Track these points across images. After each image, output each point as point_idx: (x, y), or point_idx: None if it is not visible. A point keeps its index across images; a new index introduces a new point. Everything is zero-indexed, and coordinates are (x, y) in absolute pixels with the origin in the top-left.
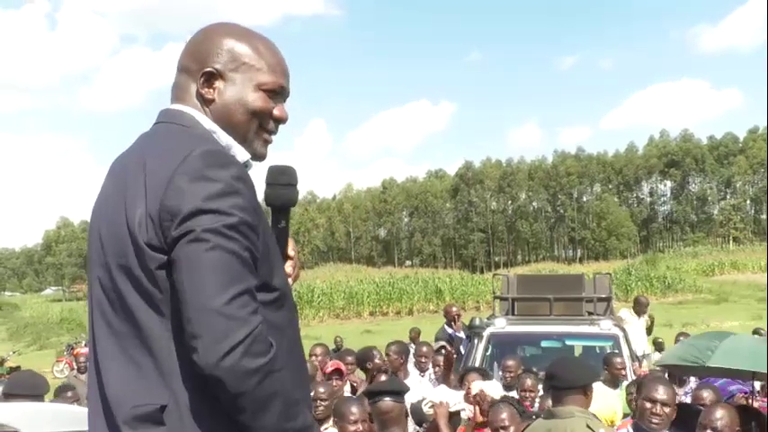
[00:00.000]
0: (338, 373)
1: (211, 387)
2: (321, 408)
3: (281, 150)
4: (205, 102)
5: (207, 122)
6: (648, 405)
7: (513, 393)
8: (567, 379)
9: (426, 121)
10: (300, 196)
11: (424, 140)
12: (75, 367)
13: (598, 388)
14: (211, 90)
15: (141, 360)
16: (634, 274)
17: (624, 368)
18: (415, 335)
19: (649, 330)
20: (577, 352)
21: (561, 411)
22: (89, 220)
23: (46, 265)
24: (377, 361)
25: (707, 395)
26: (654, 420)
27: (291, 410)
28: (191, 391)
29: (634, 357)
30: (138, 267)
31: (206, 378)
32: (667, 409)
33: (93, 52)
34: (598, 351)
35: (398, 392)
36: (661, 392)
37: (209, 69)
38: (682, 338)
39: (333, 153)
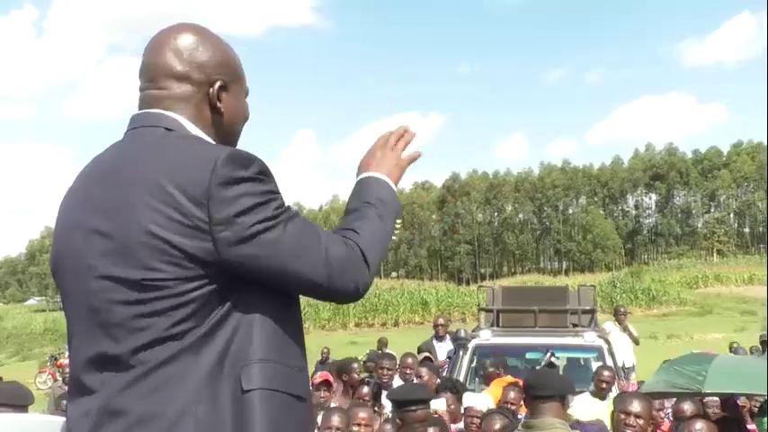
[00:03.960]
0: (326, 384)
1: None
2: None
3: (268, 160)
4: (214, 112)
5: (193, 129)
6: (623, 417)
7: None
8: (546, 389)
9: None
10: None
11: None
12: (60, 378)
13: (586, 399)
14: (219, 102)
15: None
16: (619, 287)
17: (612, 381)
18: (382, 344)
19: (636, 341)
20: (562, 364)
21: (542, 423)
22: (61, 227)
23: (30, 275)
24: (354, 375)
25: (687, 407)
26: None
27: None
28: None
29: (618, 369)
30: (164, 281)
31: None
32: (641, 422)
33: (79, 61)
34: (582, 363)
35: (427, 401)
36: (635, 406)
37: (221, 83)
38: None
39: (320, 164)
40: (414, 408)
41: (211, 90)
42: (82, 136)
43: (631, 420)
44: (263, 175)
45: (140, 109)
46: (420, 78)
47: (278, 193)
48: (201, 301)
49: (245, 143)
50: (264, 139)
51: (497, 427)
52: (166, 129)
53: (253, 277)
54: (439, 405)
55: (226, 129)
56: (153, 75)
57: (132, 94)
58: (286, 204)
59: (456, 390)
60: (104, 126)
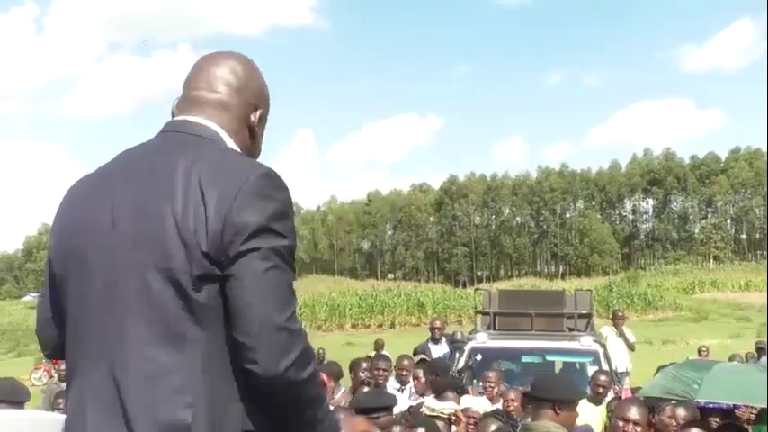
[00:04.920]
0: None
1: (264, 392)
2: None
3: (266, 161)
4: (250, 135)
5: (230, 142)
6: (621, 424)
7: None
8: (543, 392)
9: (412, 134)
10: None
11: (409, 153)
12: (55, 375)
13: (581, 404)
14: (257, 129)
15: (170, 366)
16: (615, 291)
17: (608, 386)
18: (378, 346)
19: (631, 347)
20: (558, 368)
21: (537, 426)
22: (78, 211)
23: (26, 272)
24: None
25: (681, 413)
26: None
27: (326, 406)
28: (218, 403)
29: (613, 374)
30: (184, 273)
31: (261, 386)
32: (639, 429)
33: (79, 58)
34: (578, 367)
35: (390, 407)
36: (633, 412)
37: (262, 112)
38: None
39: (318, 164)
40: (375, 415)
41: (253, 115)
42: (80, 133)
43: (629, 428)
44: (290, 207)
45: (182, 108)
46: (418, 80)
47: (292, 234)
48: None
49: None
50: (263, 140)
51: (492, 429)
52: (207, 138)
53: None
54: (480, 404)
55: (250, 155)
56: (210, 79)
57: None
58: (293, 253)
59: (461, 389)
60: (103, 124)
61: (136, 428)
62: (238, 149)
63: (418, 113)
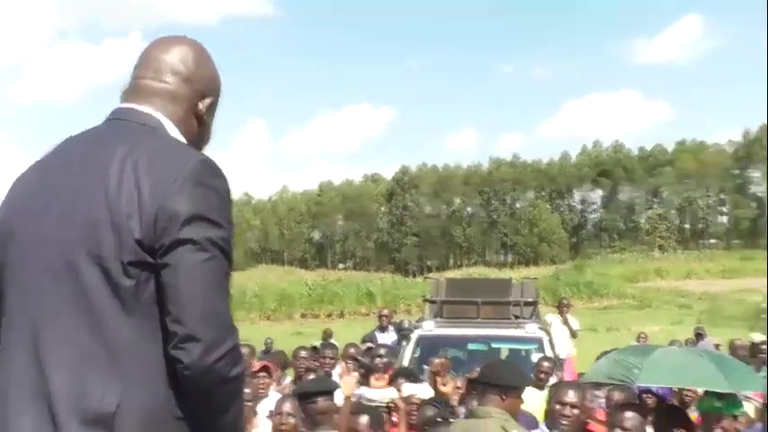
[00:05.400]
0: (265, 370)
1: (187, 385)
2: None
3: (217, 150)
4: (198, 123)
5: (174, 131)
6: (558, 407)
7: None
8: (490, 378)
9: (366, 124)
10: (236, 197)
11: (362, 144)
12: None
13: (525, 390)
14: (204, 117)
15: (97, 351)
16: (562, 280)
17: (552, 371)
18: (326, 335)
19: (574, 334)
20: (503, 355)
21: (480, 411)
22: (20, 197)
23: None
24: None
25: (618, 395)
26: (563, 422)
27: (241, 412)
28: (145, 389)
29: (557, 360)
30: (114, 259)
31: (185, 377)
32: (576, 411)
33: (27, 44)
34: (523, 354)
35: (329, 392)
36: (571, 396)
37: (212, 100)
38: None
39: (270, 154)
40: (314, 399)
41: (201, 103)
42: (28, 121)
43: (567, 411)
44: (228, 196)
45: (129, 95)
46: (372, 71)
47: (229, 225)
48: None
49: None
50: (214, 130)
51: (429, 414)
52: (150, 126)
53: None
54: (423, 391)
55: (198, 143)
56: (158, 67)
57: (81, 78)
58: (231, 243)
59: (413, 377)
60: (51, 111)
61: (59, 417)
62: (183, 139)
63: (372, 104)
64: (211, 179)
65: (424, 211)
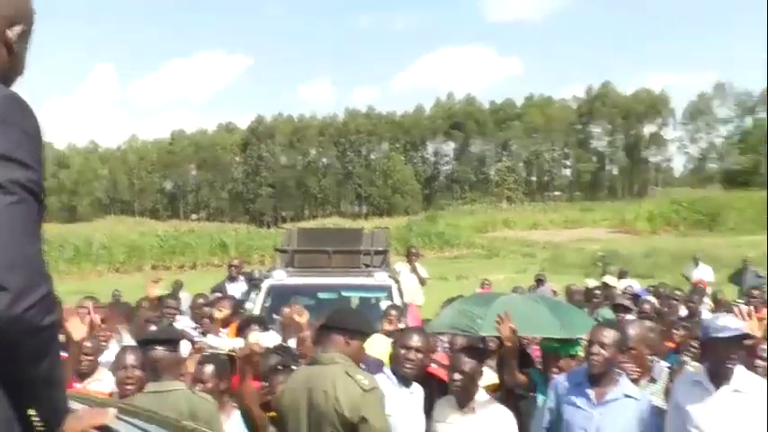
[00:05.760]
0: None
1: None
2: (86, 362)
3: (61, 95)
4: (8, 53)
5: None
6: (403, 352)
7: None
8: (335, 322)
9: (220, 72)
10: (81, 145)
11: (216, 92)
12: None
13: (374, 336)
14: (15, 46)
15: None
16: (415, 230)
17: (399, 319)
18: (176, 287)
19: (423, 282)
20: (354, 303)
21: (323, 357)
22: None
23: None
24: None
25: (460, 339)
26: (407, 366)
27: (58, 362)
28: None
29: (405, 308)
30: None
31: None
32: (420, 356)
33: None
34: (374, 302)
35: (171, 341)
36: (415, 340)
37: (23, 28)
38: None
39: (120, 101)
40: (155, 348)
41: (10, 31)
42: None
43: (411, 354)
44: (38, 135)
45: None
46: (227, 16)
47: (39, 165)
48: None
49: (31, 77)
50: (58, 74)
51: (272, 363)
52: None
53: None
54: (269, 339)
55: (9, 73)
56: None
57: None
58: (42, 185)
59: (261, 325)
60: None
61: None
62: None
63: (226, 51)
64: (17, 116)
65: (279, 162)
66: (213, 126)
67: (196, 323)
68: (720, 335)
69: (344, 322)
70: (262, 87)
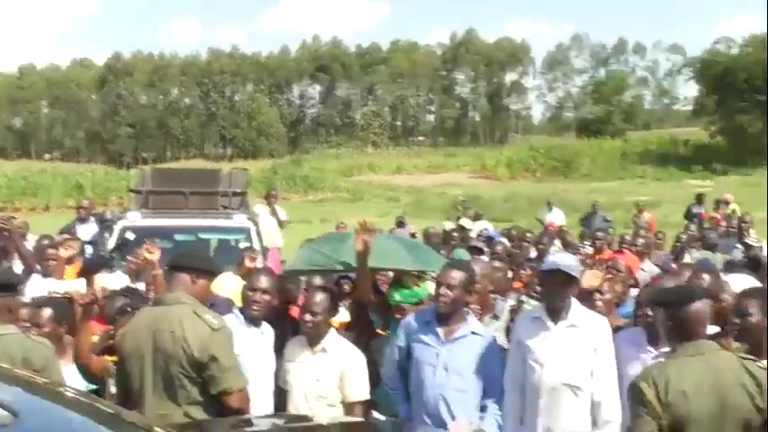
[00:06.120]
0: None
1: None
2: None
3: None
4: None
5: None
6: (251, 293)
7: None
8: (181, 262)
9: (73, 4)
10: None
11: (70, 25)
12: None
13: (227, 277)
14: None
15: None
16: (280, 173)
17: (256, 260)
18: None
19: (281, 224)
20: (213, 245)
21: (168, 298)
22: None
23: None
24: None
25: (318, 281)
26: (254, 307)
27: None
28: None
29: (264, 250)
30: None
31: None
32: (267, 297)
33: None
34: (233, 244)
35: (8, 285)
36: (263, 282)
37: None
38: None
39: None
40: None
41: None
42: None
43: (258, 296)
44: None
45: None
46: None
47: None
48: None
49: None
50: None
51: (118, 304)
52: None
53: None
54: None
55: None
56: None
57: None
58: None
59: (110, 267)
60: None
61: None
62: None
63: None
64: None
65: (138, 101)
66: (67, 62)
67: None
68: (545, 268)
69: (190, 262)
70: (120, 22)
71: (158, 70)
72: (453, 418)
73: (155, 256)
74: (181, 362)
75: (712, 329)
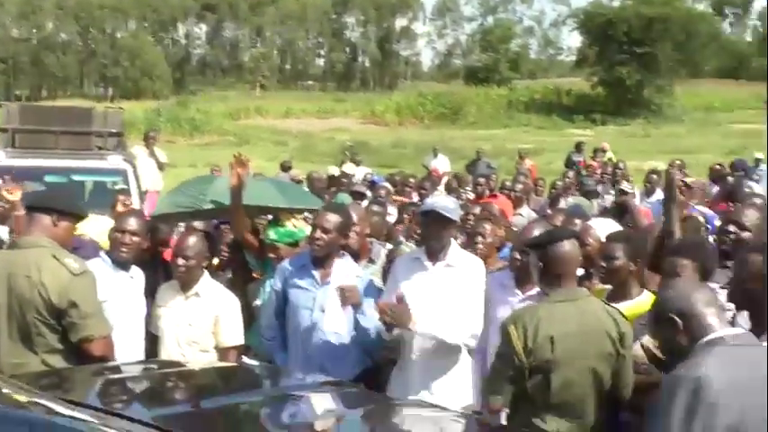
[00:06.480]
0: None
1: None
2: None
3: None
4: None
5: None
6: (118, 235)
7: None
8: (41, 202)
9: None
10: None
11: None
12: None
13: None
14: None
15: None
16: (164, 115)
17: (129, 203)
18: None
19: (161, 166)
20: (88, 188)
21: (25, 241)
22: None
23: None
24: None
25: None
26: (122, 250)
27: None
28: None
29: (142, 193)
30: None
31: None
32: (136, 239)
33: None
34: (109, 186)
35: None
36: (131, 224)
37: None
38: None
39: None
40: None
41: None
42: None
43: (126, 238)
44: None
45: None
46: None
47: None
48: None
49: None
50: None
51: None
52: None
53: None
54: None
55: None
56: None
57: None
58: None
59: None
60: None
61: None
62: None
63: None
64: None
65: (9, 35)
66: None
67: None
68: (423, 209)
69: (51, 202)
70: None
71: (31, 2)
72: (330, 359)
73: (15, 196)
74: (38, 308)
75: (578, 272)
